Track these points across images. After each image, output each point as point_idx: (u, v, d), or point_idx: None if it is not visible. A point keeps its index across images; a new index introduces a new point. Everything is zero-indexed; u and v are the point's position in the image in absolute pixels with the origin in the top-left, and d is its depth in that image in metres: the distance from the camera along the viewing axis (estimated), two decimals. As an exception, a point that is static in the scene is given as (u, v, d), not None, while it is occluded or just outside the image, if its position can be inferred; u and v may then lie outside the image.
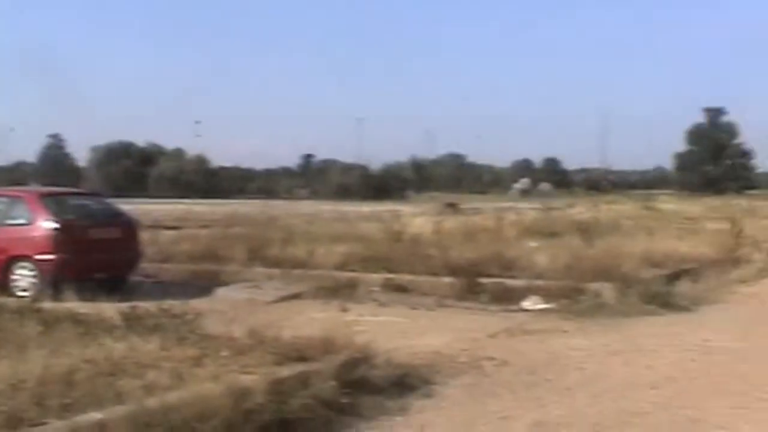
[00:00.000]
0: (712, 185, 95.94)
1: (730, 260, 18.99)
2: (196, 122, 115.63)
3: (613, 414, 7.60)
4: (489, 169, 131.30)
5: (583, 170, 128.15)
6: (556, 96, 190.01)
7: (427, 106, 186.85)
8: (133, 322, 9.28)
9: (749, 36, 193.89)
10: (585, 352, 10.31)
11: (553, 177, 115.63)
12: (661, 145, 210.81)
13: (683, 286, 15.24)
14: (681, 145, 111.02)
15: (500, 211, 27.22)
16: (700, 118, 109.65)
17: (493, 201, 57.74)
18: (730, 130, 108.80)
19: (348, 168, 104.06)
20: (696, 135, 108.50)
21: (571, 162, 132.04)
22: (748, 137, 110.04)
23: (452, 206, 40.93)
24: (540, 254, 15.85)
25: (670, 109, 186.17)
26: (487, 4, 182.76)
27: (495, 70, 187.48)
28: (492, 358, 9.72)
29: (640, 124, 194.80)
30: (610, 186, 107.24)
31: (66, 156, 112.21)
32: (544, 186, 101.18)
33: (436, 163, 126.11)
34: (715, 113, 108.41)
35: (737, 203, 48.63)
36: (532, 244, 17.31)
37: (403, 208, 38.85)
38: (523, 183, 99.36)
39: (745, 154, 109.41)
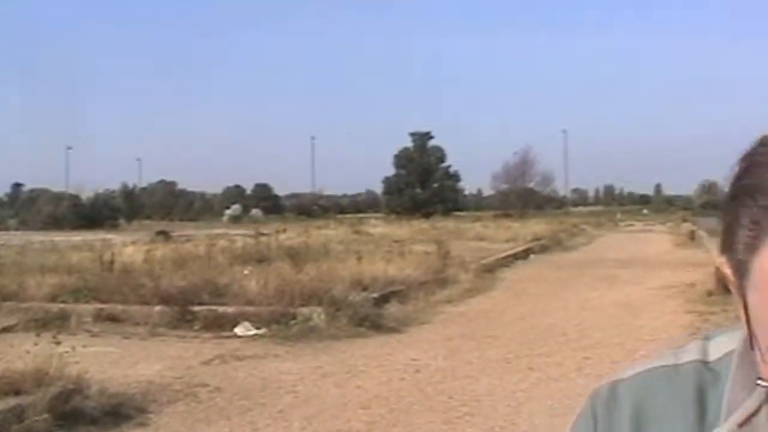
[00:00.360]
0: (419, 208, 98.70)
1: (437, 281, 19.79)
2: None
3: (325, 434, 7.82)
4: (201, 195, 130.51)
5: (294, 195, 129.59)
6: (266, 122, 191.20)
7: (137, 133, 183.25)
8: None
9: (447, 61, 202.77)
10: (297, 375, 10.51)
11: (265, 203, 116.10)
12: (371, 169, 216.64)
13: (392, 308, 15.75)
14: (390, 170, 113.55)
15: (212, 237, 27.17)
16: (407, 143, 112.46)
17: (205, 228, 57.43)
18: (437, 154, 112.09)
19: (58, 197, 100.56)
20: (404, 159, 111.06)
21: (282, 188, 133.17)
22: (454, 160, 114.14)
23: (163, 234, 40.38)
24: (251, 280, 15.94)
25: (379, 134, 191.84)
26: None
27: (207, 96, 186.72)
28: (206, 385, 9.77)
29: (349, 149, 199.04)
30: (320, 211, 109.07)
31: None
32: (256, 212, 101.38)
33: (147, 190, 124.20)
34: (422, 137, 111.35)
35: (444, 225, 50.73)
36: (245, 271, 17.37)
37: (115, 236, 38.09)
38: (234, 209, 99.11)
39: (452, 177, 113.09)
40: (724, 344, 1.12)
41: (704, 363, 1.13)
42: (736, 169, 0.98)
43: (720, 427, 1.03)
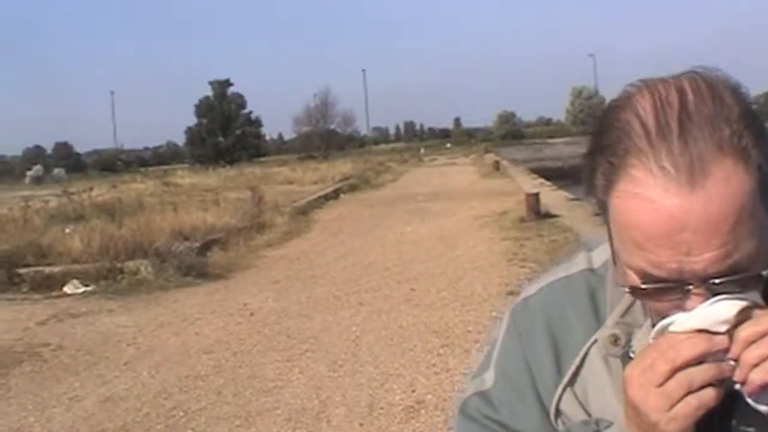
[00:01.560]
0: (223, 156, 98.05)
1: (254, 226, 19.99)
2: None
3: (175, 381, 8.03)
4: (0, 158, 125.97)
5: (96, 152, 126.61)
6: (64, 79, 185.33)
7: None
8: None
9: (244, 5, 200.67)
10: (134, 327, 10.62)
11: (66, 161, 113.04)
12: (171, 121, 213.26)
13: (215, 256, 15.93)
14: (191, 120, 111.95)
15: (23, 200, 26.41)
16: (208, 91, 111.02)
17: (8, 191, 55.57)
18: (238, 101, 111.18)
19: None
20: (204, 108, 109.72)
21: (83, 145, 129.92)
22: (254, 106, 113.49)
23: (-35, 199, 38.99)
24: (74, 239, 15.80)
25: (178, 84, 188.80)
26: None
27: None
28: (47, 344, 9.80)
29: (148, 101, 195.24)
30: (123, 166, 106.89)
31: None
32: (58, 171, 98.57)
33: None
34: (221, 85, 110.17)
35: (251, 171, 50.68)
36: (66, 230, 17.15)
37: None
38: (36, 170, 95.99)
39: (254, 123, 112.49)
40: (603, 253, 1.40)
41: (591, 270, 1.43)
42: (595, 126, 1.24)
43: (608, 318, 1.36)
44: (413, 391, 7.11)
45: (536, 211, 17.93)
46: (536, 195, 18.75)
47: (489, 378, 1.45)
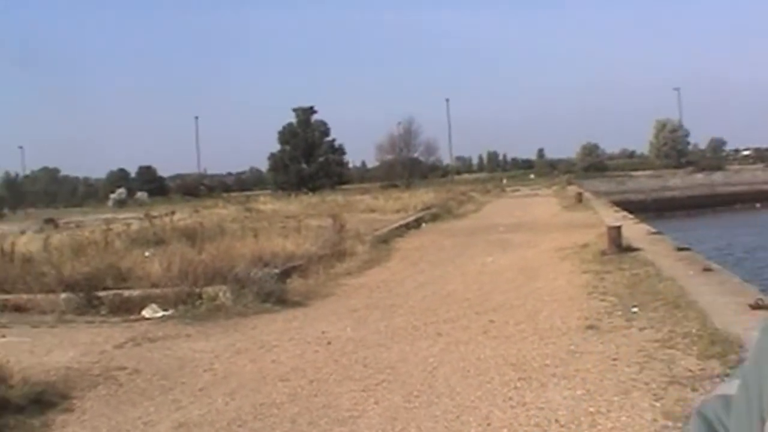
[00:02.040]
0: (306, 183, 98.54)
1: (335, 254, 20.01)
2: None
3: (249, 408, 7.98)
4: (84, 181, 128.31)
5: (179, 176, 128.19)
6: (150, 103, 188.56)
7: (19, 121, 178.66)
8: None
9: (328, 35, 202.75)
10: (211, 353, 10.63)
11: (149, 185, 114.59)
12: (255, 147, 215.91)
13: (295, 283, 15.95)
14: (275, 146, 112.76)
15: (105, 222, 26.89)
16: (291, 118, 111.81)
17: (91, 213, 56.65)
18: (321, 128, 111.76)
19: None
20: (288, 134, 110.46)
21: (166, 169, 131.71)
22: (338, 134, 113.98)
23: (52, 222, 39.79)
24: (153, 263, 15.94)
25: (262, 110, 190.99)
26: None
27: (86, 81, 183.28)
28: (123, 368, 9.84)
29: (231, 126, 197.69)
30: (206, 190, 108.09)
31: None
32: (141, 195, 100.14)
33: (30, 178, 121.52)
34: (305, 112, 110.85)
35: (333, 199, 50.86)
36: (146, 253, 17.33)
37: (2, 227, 37.39)
38: (119, 193, 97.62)
39: (337, 150, 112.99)
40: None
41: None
42: None
43: None
44: (489, 425, 6.97)
45: (618, 245, 17.66)
46: (618, 228, 18.46)
47: (735, 384, 1.45)
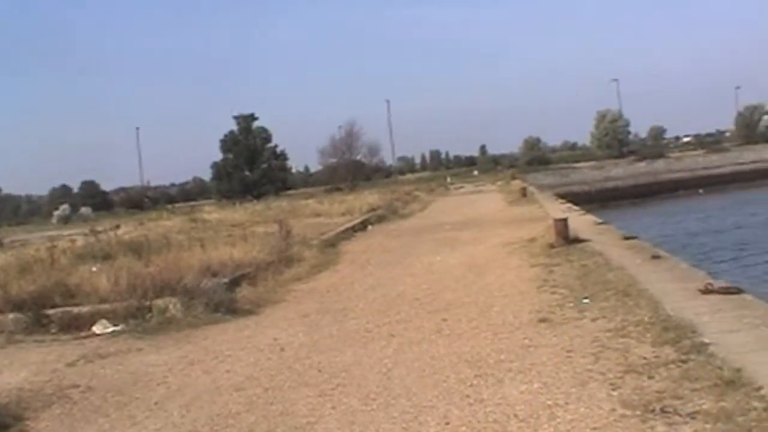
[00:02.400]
0: (250, 190, 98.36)
1: (283, 260, 19.94)
2: None
3: (206, 420, 7.92)
4: (27, 198, 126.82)
5: (122, 189, 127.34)
6: (89, 117, 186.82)
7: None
8: None
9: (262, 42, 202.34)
10: (164, 366, 10.54)
11: (93, 200, 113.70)
12: (198, 156, 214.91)
13: (244, 291, 15.86)
14: (217, 155, 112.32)
15: (50, 240, 26.57)
16: (233, 126, 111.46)
17: (36, 231, 55.99)
18: (263, 135, 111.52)
19: None
20: (230, 142, 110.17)
21: (109, 183, 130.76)
22: (280, 140, 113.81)
23: (-5, 241, 39.24)
24: (101, 278, 15.75)
25: (203, 119, 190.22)
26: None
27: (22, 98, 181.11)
28: (76, 386, 9.74)
29: (173, 137, 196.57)
30: (150, 203, 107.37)
31: None
32: (85, 210, 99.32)
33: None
34: (246, 119, 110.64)
35: (278, 205, 50.67)
36: (93, 269, 17.13)
37: (-58, 247, 36.78)
38: (63, 209, 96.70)
39: (279, 156, 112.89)
40: None
41: None
42: None
43: None
44: (447, 424, 6.98)
45: (565, 237, 17.78)
46: (564, 220, 18.59)
47: None
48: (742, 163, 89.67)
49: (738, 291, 10.61)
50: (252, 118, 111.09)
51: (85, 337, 13.17)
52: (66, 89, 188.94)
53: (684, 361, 7.55)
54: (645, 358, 7.95)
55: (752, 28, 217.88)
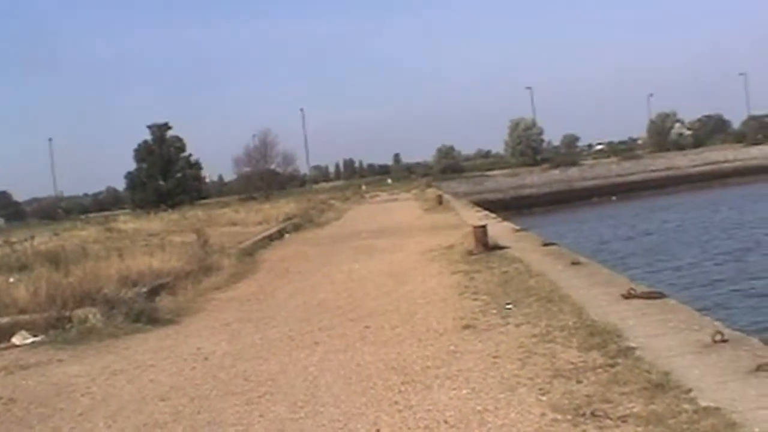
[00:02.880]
0: (165, 200, 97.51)
1: (201, 269, 19.85)
2: None
3: (133, 430, 7.86)
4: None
5: (35, 200, 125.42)
6: (3, 127, 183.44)
7: None
8: None
9: (179, 51, 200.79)
10: (87, 377, 10.42)
11: (5, 210, 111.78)
12: (111, 166, 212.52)
13: (164, 300, 15.78)
14: (131, 164, 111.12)
15: (-39, 250, 26.07)
16: (146, 136, 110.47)
17: (-56, 241, 54.74)
18: (177, 144, 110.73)
19: None
20: (144, 152, 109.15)
21: (21, 193, 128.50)
22: (194, 149, 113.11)
23: None
24: (19, 289, 15.51)
25: (116, 129, 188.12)
26: None
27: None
28: (-2, 398, 9.61)
29: (86, 147, 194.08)
30: (64, 213, 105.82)
31: None
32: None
33: None
34: (160, 128, 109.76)
35: (194, 214, 50.35)
36: (11, 279, 16.87)
37: None
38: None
39: (194, 165, 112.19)
40: None
41: None
42: None
43: None
44: (378, 430, 7.03)
45: (484, 243, 17.94)
46: (483, 227, 18.76)
47: None
48: (654, 171, 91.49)
49: (661, 295, 10.82)
50: (166, 127, 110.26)
51: (4, 349, 12.94)
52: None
53: (612, 366, 7.68)
54: (572, 362, 8.07)
55: (665, 37, 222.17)
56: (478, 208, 39.18)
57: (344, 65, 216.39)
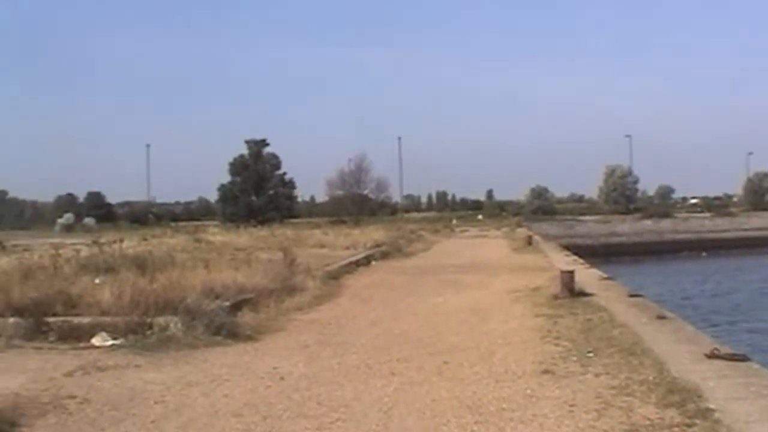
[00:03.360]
0: (254, 215, 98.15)
1: (285, 289, 19.86)
2: None
3: (202, 443, 7.86)
4: (32, 204, 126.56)
5: (127, 203, 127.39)
6: (101, 129, 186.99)
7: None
8: None
9: (282, 70, 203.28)
10: (162, 385, 10.46)
11: (97, 211, 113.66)
12: (205, 177, 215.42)
13: (245, 316, 15.78)
14: (225, 177, 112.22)
15: (53, 247, 26.48)
16: (243, 150, 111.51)
17: (38, 237, 55.93)
18: (273, 161, 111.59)
19: None
20: (239, 166, 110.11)
21: (114, 196, 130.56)
22: (288, 168, 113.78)
23: (-1, 244, 39.14)
24: (104, 290, 15.68)
25: (214, 140, 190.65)
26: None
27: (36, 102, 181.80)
28: (73, 396, 9.66)
29: (183, 156, 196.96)
30: (154, 219, 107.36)
31: None
32: (89, 220, 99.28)
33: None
34: (257, 144, 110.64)
35: (282, 232, 50.60)
36: (96, 280, 17.07)
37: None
38: (67, 218, 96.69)
39: (287, 184, 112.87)
40: None
41: None
42: None
43: None
44: (447, 469, 6.89)
45: (570, 289, 17.69)
46: (571, 272, 18.51)
47: None
48: (747, 229, 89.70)
49: (744, 358, 10.54)
50: (263, 143, 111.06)
51: (83, 348, 13.11)
52: (81, 99, 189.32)
53: (689, 425, 7.47)
54: (649, 419, 7.86)
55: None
56: (567, 252, 38.77)
57: (444, 96, 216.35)
